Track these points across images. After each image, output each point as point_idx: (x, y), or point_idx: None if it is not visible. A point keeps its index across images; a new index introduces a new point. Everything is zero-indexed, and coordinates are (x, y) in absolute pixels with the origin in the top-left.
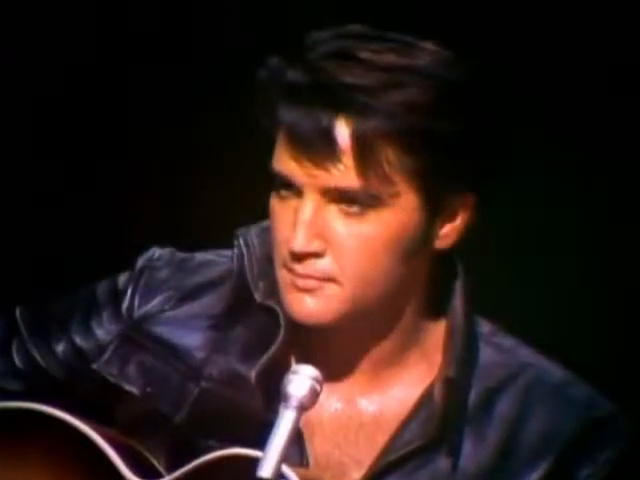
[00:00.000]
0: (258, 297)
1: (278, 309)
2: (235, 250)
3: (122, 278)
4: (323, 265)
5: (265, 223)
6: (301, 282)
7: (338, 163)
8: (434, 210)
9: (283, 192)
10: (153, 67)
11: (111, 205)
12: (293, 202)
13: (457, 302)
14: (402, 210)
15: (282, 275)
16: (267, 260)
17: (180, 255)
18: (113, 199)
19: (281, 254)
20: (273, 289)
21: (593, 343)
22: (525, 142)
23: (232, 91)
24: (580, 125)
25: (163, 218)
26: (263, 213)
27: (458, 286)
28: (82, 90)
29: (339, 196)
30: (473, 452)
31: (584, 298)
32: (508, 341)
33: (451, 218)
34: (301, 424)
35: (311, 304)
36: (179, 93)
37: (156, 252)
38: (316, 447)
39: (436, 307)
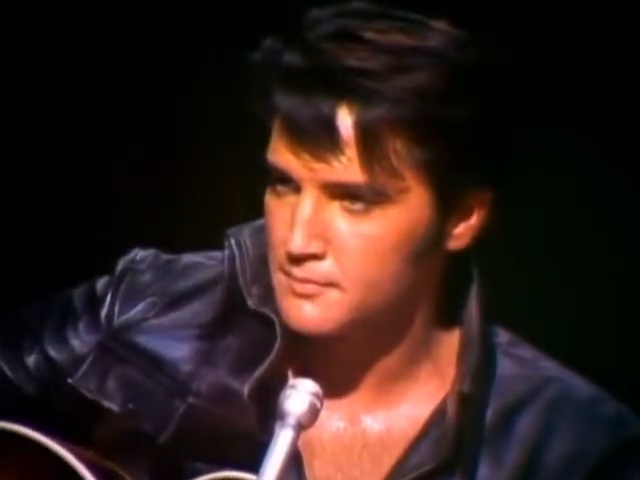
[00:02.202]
0: (252, 303)
1: (274, 317)
2: (226, 251)
3: (101, 283)
4: (323, 268)
5: (259, 222)
6: (299, 287)
7: (340, 155)
8: (447, 207)
9: (279, 187)
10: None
11: (90, 204)
12: (291, 199)
13: (472, 309)
14: (411, 207)
15: (278, 279)
16: (261, 262)
17: (165, 257)
18: (92, 198)
19: (277, 256)
20: (268, 294)
21: (622, 356)
22: (540, 134)
23: (222, 77)
24: (604, 115)
25: (146, 217)
26: (257, 211)
27: (473, 292)
28: (62, 87)
29: (341, 192)
30: (490, 476)
31: (613, 305)
32: (529, 353)
33: (466, 216)
34: (299, 445)
35: (310, 311)
36: (166, 87)
37: (138, 254)
38: (316, 470)
39: (449, 315)
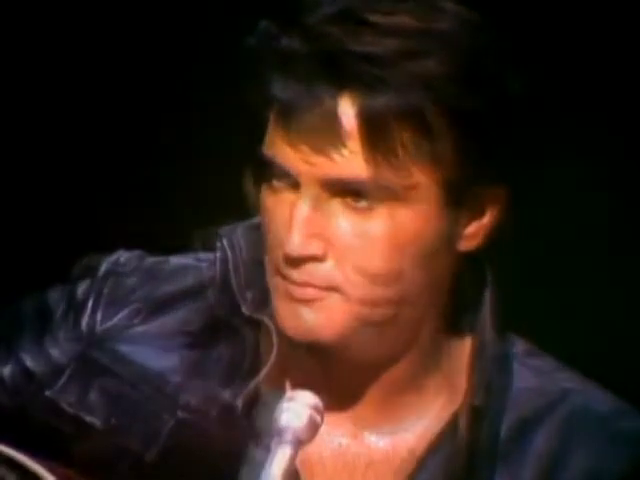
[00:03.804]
0: (245, 309)
1: (270, 323)
2: (218, 253)
3: (82, 286)
4: (324, 271)
5: (254, 221)
6: (298, 291)
7: (342, 148)
8: (458, 205)
9: (276, 183)
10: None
11: (71, 203)
12: (288, 196)
13: (485, 316)
14: (420, 205)
15: (275, 283)
16: (256, 265)
17: (151, 259)
18: (73, 196)
19: (274, 258)
20: (264, 300)
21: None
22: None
23: (211, 66)
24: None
25: (130, 216)
26: (252, 209)
27: (487, 297)
28: (57, 87)
29: (343, 188)
30: None
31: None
32: (547, 363)
33: (478, 215)
34: (298, 462)
35: (309, 317)
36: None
37: (122, 255)
38: None
39: (460, 322)
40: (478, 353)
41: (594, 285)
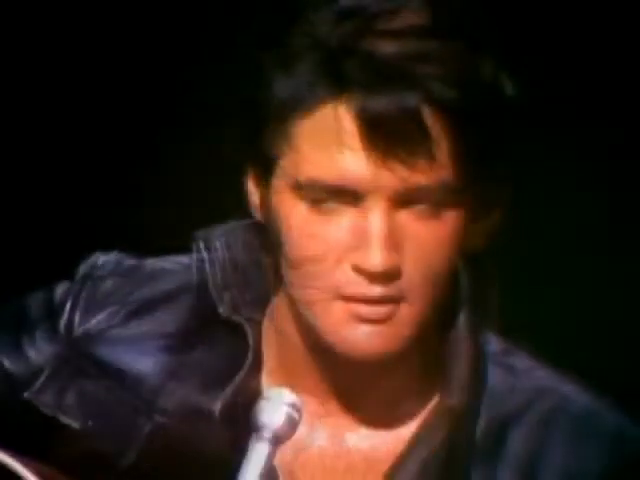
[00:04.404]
0: (223, 311)
1: (246, 326)
2: (194, 256)
3: (60, 289)
4: (399, 281)
5: (231, 224)
6: (374, 310)
7: (428, 157)
8: (475, 203)
9: (330, 205)
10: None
11: (49, 204)
12: (347, 214)
13: (461, 314)
14: (458, 205)
15: (334, 309)
16: (234, 268)
17: (129, 262)
18: (51, 197)
19: (331, 282)
20: (241, 302)
21: (628, 364)
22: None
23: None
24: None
25: (109, 218)
26: (228, 213)
27: (463, 296)
28: (54, 88)
29: (409, 198)
30: None
31: (618, 308)
32: (523, 362)
33: (485, 213)
34: (277, 464)
35: (382, 335)
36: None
37: (100, 258)
38: None
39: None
40: (454, 353)
41: (594, 285)
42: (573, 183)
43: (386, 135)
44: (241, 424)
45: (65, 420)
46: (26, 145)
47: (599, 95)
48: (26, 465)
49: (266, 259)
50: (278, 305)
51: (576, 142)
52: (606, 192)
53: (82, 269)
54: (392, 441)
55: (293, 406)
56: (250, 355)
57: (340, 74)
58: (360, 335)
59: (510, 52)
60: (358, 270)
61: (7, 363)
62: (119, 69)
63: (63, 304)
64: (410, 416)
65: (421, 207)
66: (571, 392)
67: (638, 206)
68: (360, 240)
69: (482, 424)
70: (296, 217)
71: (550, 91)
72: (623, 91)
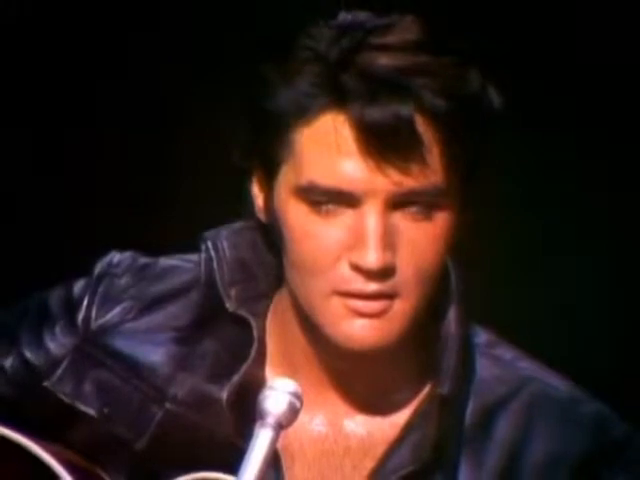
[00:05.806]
0: (230, 306)
1: (251, 319)
2: (203, 254)
3: (78, 286)
4: (393, 278)
5: (237, 225)
6: (369, 305)
7: (421, 161)
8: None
9: (330, 207)
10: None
11: (66, 205)
12: (345, 215)
13: (450, 308)
14: (451, 204)
15: (333, 304)
16: (240, 265)
17: (142, 260)
18: (68, 199)
19: (331, 279)
20: (247, 297)
21: (607, 357)
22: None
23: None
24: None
25: (123, 219)
26: (234, 214)
27: (451, 290)
28: (50, 82)
29: (404, 200)
30: (471, 478)
31: (598, 303)
32: (508, 353)
33: (464, 209)
34: (280, 448)
35: (378, 328)
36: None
37: (115, 257)
38: (296, 474)
39: (429, 315)
40: (444, 345)
41: (594, 285)
42: (573, 183)
43: (382, 142)
44: (247, 411)
45: (82, 408)
46: (46, 147)
47: (581, 105)
48: (45, 448)
49: (270, 257)
50: (281, 300)
51: (576, 142)
52: (606, 192)
53: (98, 267)
54: (387, 427)
55: (295, 394)
56: (255, 347)
57: (339, 86)
58: (357, 328)
59: (497, 64)
60: (355, 268)
61: (29, 354)
62: (131, 76)
63: (81, 300)
64: (404, 404)
65: (414, 209)
66: (553, 381)
67: (638, 206)
68: (357, 240)
69: (470, 411)
70: (297, 218)
71: (534, 100)
72: (622, 91)
